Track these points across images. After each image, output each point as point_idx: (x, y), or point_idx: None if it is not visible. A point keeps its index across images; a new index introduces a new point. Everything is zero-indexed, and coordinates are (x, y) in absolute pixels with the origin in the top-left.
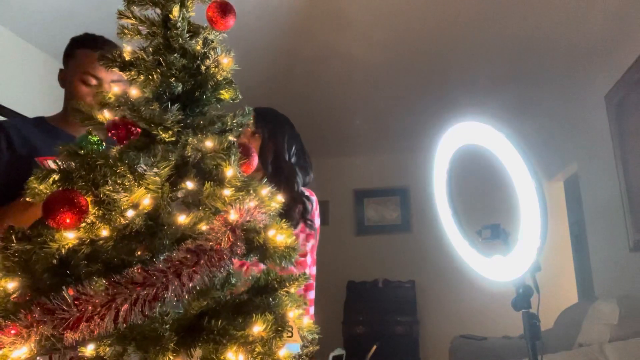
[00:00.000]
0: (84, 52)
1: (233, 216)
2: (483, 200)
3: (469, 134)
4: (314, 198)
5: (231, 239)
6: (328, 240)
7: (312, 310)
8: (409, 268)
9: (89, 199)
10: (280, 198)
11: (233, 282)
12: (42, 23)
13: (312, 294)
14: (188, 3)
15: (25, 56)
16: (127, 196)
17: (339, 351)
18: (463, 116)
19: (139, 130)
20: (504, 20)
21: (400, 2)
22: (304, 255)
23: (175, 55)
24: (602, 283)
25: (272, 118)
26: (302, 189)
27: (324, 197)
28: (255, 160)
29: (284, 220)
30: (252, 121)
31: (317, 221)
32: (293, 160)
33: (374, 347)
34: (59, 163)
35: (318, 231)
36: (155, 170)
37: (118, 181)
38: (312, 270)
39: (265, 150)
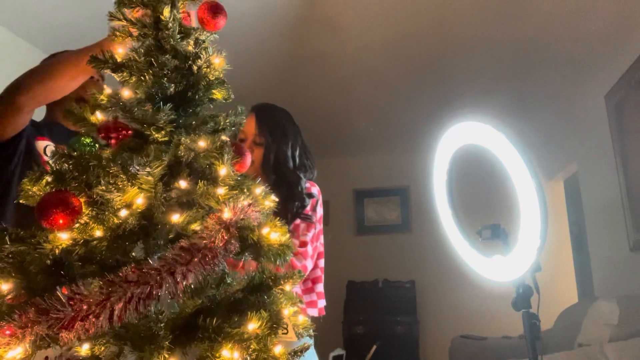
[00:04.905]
0: None
1: (227, 214)
2: (483, 200)
3: (469, 134)
4: (316, 189)
5: (225, 237)
6: (328, 240)
7: (321, 303)
8: (409, 268)
9: (82, 200)
10: (274, 198)
11: (228, 281)
12: (42, 23)
13: (320, 287)
14: (179, 4)
15: (25, 56)
16: (120, 196)
17: (338, 351)
18: (463, 116)
19: (130, 132)
20: (503, 20)
21: (400, 2)
22: (304, 244)
23: (167, 56)
24: (602, 283)
25: (274, 122)
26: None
27: (324, 197)
28: (248, 159)
29: (280, 213)
30: (251, 122)
31: (319, 211)
32: (297, 162)
33: (374, 347)
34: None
35: (321, 221)
36: (148, 169)
37: (111, 181)
38: (320, 262)
39: (267, 159)
